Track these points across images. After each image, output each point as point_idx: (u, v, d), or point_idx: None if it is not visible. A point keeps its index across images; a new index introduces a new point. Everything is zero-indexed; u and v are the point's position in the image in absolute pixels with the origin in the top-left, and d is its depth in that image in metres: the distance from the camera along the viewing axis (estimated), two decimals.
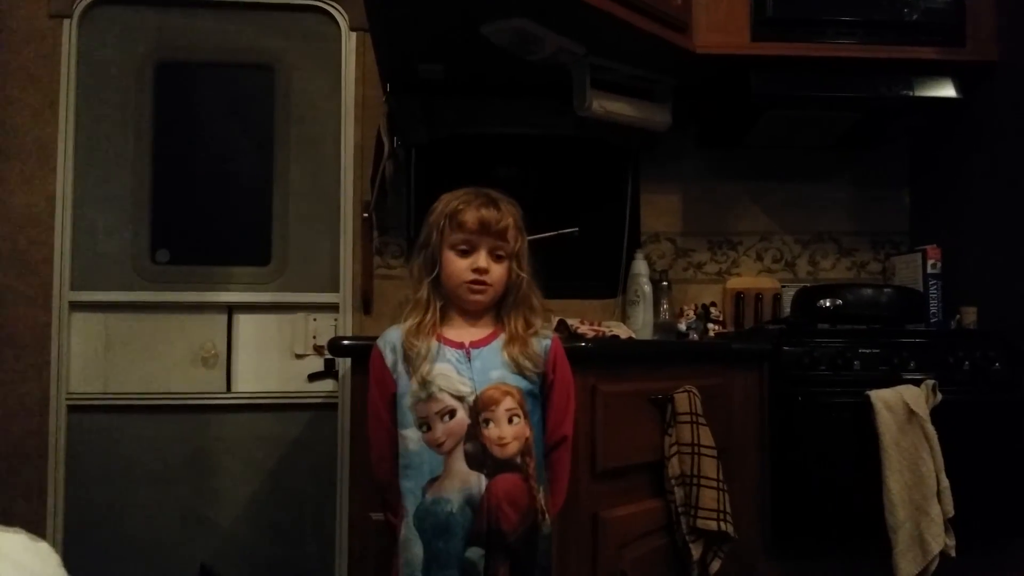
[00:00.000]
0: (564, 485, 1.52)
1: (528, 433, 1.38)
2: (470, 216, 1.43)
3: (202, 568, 2.56)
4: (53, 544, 0.98)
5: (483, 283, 1.44)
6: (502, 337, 1.45)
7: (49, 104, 2.60)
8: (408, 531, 1.37)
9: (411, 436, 1.38)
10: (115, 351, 2.62)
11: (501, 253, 1.46)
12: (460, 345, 1.42)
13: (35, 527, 2.33)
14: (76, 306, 2.60)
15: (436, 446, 1.36)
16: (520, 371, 1.41)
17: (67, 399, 2.57)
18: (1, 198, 2.57)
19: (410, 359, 1.40)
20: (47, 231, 2.58)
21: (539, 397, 1.45)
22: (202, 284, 2.67)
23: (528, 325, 1.47)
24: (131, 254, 2.64)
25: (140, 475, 2.60)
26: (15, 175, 2.58)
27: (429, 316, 1.45)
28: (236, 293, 2.68)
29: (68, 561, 0.98)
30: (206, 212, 2.73)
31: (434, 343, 1.41)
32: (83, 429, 2.58)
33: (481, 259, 1.43)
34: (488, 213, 1.44)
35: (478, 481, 1.34)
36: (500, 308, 1.49)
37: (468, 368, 1.40)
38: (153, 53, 2.68)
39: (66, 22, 2.62)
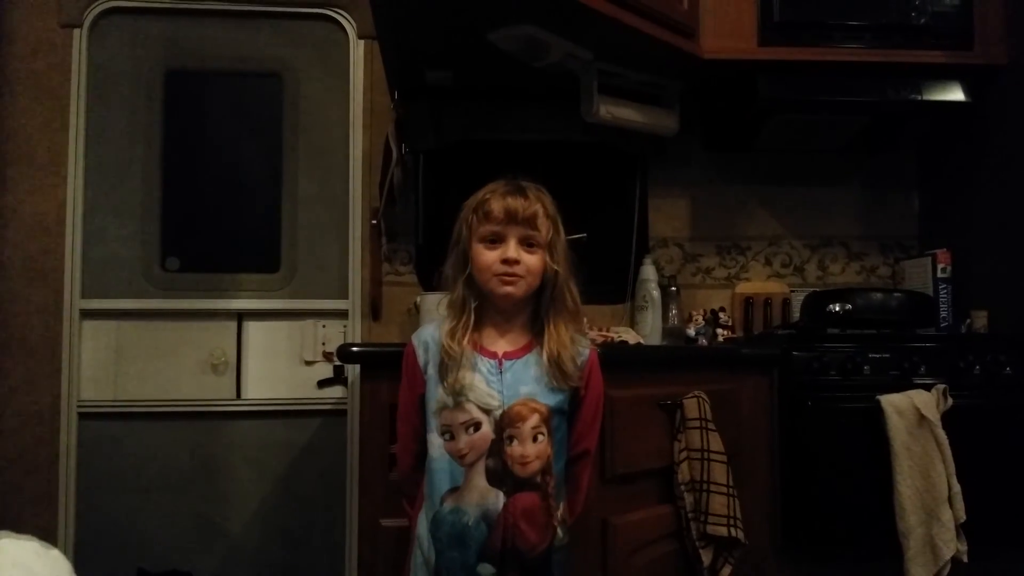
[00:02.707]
0: (583, 497, 1.49)
1: (550, 451, 1.35)
2: (496, 205, 1.38)
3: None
4: (64, 551, 0.99)
5: (514, 274, 1.37)
6: (536, 351, 1.40)
7: (60, 113, 2.62)
8: (423, 533, 1.36)
9: (433, 442, 1.36)
10: (125, 358, 2.63)
11: (533, 242, 1.39)
12: (493, 355, 1.38)
13: (46, 534, 2.34)
14: (87, 314, 2.61)
15: (458, 457, 1.33)
16: (557, 382, 1.37)
17: (78, 406, 2.58)
18: (12, 206, 2.59)
19: (443, 364, 1.36)
20: (58, 239, 2.59)
21: (566, 413, 1.40)
22: (212, 291, 2.68)
23: (567, 329, 1.41)
24: (141, 262, 2.66)
25: (150, 482, 2.61)
26: (26, 183, 2.60)
27: (464, 317, 1.39)
28: (246, 300, 2.68)
29: (79, 568, 0.99)
30: (216, 219, 2.75)
31: (469, 350, 1.36)
32: (94, 436, 2.59)
33: (510, 249, 1.37)
34: (514, 201, 1.39)
35: (496, 498, 1.31)
36: (537, 311, 1.43)
37: (499, 380, 1.36)
38: (163, 62, 2.70)
39: (76, 32, 2.64)
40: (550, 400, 1.36)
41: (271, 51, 2.73)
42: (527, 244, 1.39)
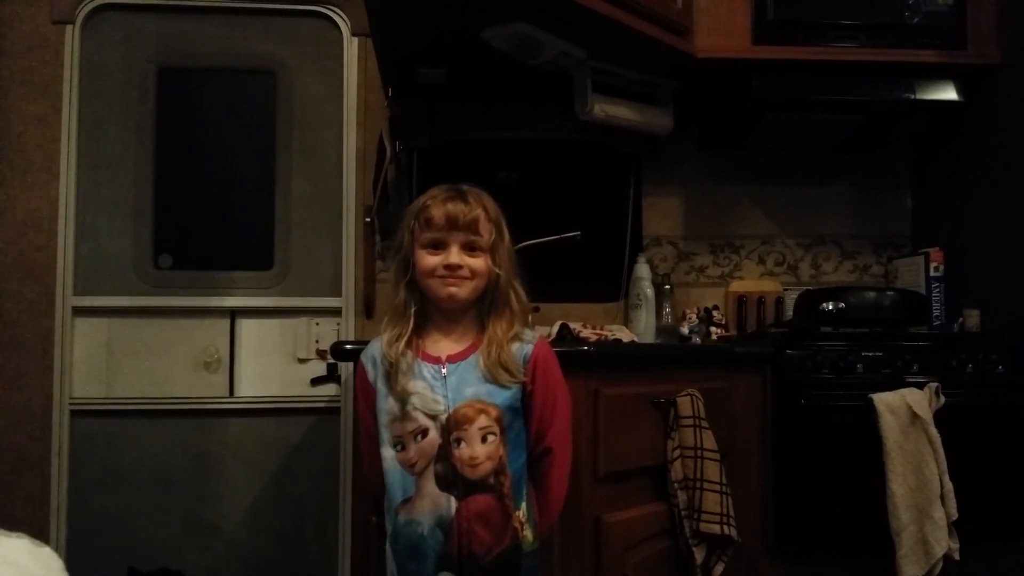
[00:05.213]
0: (555, 499, 1.45)
1: (502, 451, 1.33)
2: (436, 212, 1.38)
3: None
4: (56, 549, 0.98)
5: (458, 276, 1.37)
6: (481, 350, 1.38)
7: (52, 110, 2.61)
8: (388, 548, 1.36)
9: (386, 455, 1.36)
10: (118, 356, 2.63)
11: (475, 247, 1.39)
12: (437, 360, 1.38)
13: (38, 532, 2.33)
14: (79, 311, 2.60)
15: (408, 466, 1.33)
16: (496, 381, 1.35)
17: (70, 404, 2.57)
18: (4, 203, 2.58)
19: (389, 375, 1.36)
20: (50, 236, 2.58)
21: (519, 411, 1.38)
22: (205, 289, 2.67)
23: (508, 328, 1.40)
24: (134, 259, 2.65)
25: (143, 480, 2.60)
26: (18, 180, 2.59)
27: (404, 324, 1.40)
28: (239, 298, 2.68)
29: (70, 566, 0.98)
30: (209, 217, 2.74)
31: (411, 357, 1.36)
32: (86, 434, 2.59)
33: (452, 255, 1.37)
34: (455, 207, 1.38)
35: (448, 503, 1.30)
36: (480, 313, 1.43)
37: (443, 385, 1.35)
38: (156, 59, 2.69)
39: (69, 28, 2.63)
40: (497, 399, 1.35)
41: (264, 48, 2.73)
42: (469, 249, 1.39)
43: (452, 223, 1.37)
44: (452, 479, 1.31)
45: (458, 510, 1.30)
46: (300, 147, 2.72)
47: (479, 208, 1.40)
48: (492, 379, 1.35)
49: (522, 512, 1.35)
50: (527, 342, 1.42)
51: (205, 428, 2.64)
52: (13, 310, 2.56)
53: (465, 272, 1.37)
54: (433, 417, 1.33)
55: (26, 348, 2.55)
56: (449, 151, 2.64)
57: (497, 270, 1.40)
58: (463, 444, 1.31)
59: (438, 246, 1.39)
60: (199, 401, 2.64)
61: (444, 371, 1.36)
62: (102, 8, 2.66)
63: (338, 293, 2.68)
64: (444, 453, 1.31)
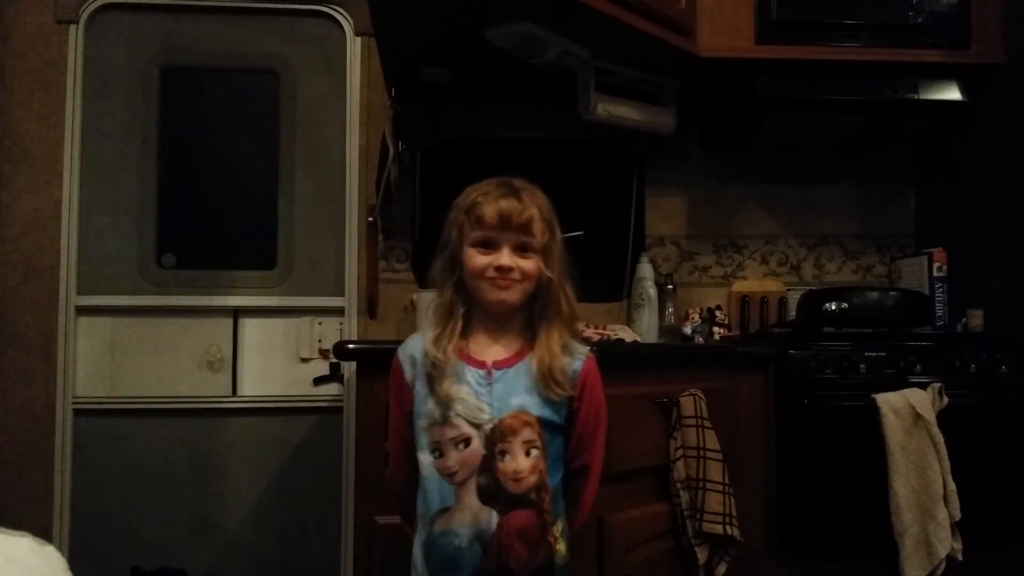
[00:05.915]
0: (583, 513, 1.42)
1: (543, 466, 1.27)
2: (489, 209, 1.29)
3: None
4: (59, 547, 0.98)
5: (509, 278, 1.29)
6: (529, 358, 1.31)
7: (55, 109, 2.61)
8: (418, 555, 1.31)
9: (424, 460, 1.29)
10: (121, 355, 2.63)
11: (528, 247, 1.31)
12: (482, 365, 1.30)
13: (42, 531, 2.34)
14: (82, 310, 2.61)
15: (448, 475, 1.26)
16: (544, 392, 1.28)
17: (73, 403, 2.57)
18: (8, 203, 2.58)
19: (431, 377, 1.29)
20: (53, 236, 2.59)
21: (561, 426, 1.32)
22: (208, 288, 2.67)
23: (559, 336, 1.33)
24: (137, 258, 2.65)
25: (146, 479, 2.60)
26: (22, 180, 2.59)
27: (451, 324, 1.32)
28: (242, 297, 2.68)
29: (73, 565, 0.98)
30: (212, 216, 2.74)
31: (454, 359, 1.29)
32: (89, 433, 2.59)
33: (504, 256, 1.29)
34: (508, 205, 1.30)
35: (489, 517, 1.24)
36: (531, 316, 1.35)
37: (488, 392, 1.28)
38: (159, 58, 2.69)
39: (72, 27, 2.63)
40: (543, 412, 1.29)
41: (268, 48, 2.73)
42: (521, 250, 1.31)
43: (505, 223, 1.30)
44: (495, 492, 1.25)
45: (499, 525, 1.24)
46: (303, 147, 2.72)
47: (533, 207, 1.32)
48: (541, 390, 1.29)
49: (558, 527, 1.30)
50: (577, 356, 1.36)
51: (208, 427, 2.64)
52: (17, 309, 2.56)
53: (516, 275, 1.30)
54: (477, 426, 1.26)
55: (29, 347, 2.56)
56: (452, 150, 2.64)
57: (549, 274, 1.33)
58: (507, 457, 1.25)
59: (488, 245, 1.31)
60: (202, 400, 2.64)
61: (491, 378, 1.30)
62: (105, 8, 2.66)
63: (341, 293, 2.68)
64: (488, 465, 1.25)
